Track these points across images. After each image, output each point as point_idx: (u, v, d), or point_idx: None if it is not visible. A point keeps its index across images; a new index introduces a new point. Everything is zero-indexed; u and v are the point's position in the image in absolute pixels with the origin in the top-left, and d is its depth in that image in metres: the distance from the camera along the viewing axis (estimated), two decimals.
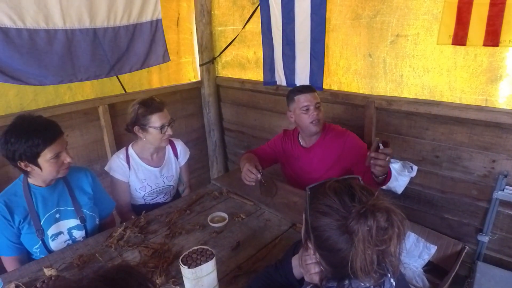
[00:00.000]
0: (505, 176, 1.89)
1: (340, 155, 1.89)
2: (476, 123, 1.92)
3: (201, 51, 3.11)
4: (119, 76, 2.68)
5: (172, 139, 2.07)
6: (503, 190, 1.91)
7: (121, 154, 1.90)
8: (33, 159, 1.36)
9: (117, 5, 2.36)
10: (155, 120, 1.76)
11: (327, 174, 1.90)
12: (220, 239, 1.49)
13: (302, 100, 1.82)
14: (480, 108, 1.84)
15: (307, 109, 1.81)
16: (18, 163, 1.38)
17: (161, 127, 1.77)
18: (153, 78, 3.09)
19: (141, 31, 2.56)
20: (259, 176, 1.78)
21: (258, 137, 3.16)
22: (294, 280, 1.06)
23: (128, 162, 1.89)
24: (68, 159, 1.44)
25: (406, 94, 2.12)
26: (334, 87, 2.48)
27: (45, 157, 1.37)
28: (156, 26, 2.63)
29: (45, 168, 1.39)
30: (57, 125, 1.43)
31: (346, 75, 2.41)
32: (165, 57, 2.75)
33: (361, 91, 2.34)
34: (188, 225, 1.59)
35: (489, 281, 1.95)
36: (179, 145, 2.08)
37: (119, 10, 2.39)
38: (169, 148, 2.03)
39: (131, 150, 1.92)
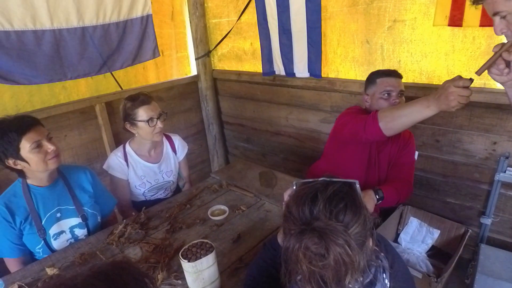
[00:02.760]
0: (507, 157, 1.88)
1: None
2: (475, 105, 1.90)
3: (196, 45, 3.08)
4: (114, 73, 2.67)
5: (170, 134, 2.06)
6: (505, 172, 1.90)
7: (118, 152, 1.90)
8: (16, 154, 1.36)
9: (106, 2, 2.34)
10: (142, 114, 1.75)
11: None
12: (220, 232, 1.49)
13: (386, 84, 1.65)
14: (479, 90, 1.82)
15: (389, 95, 1.64)
16: (6, 163, 1.39)
17: (149, 120, 1.76)
18: (150, 75, 3.07)
19: (132, 27, 2.54)
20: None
21: (258, 129, 3.15)
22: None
23: (126, 159, 1.88)
24: (50, 147, 1.42)
25: (404, 79, 2.09)
26: (332, 76, 2.46)
27: (25, 148, 1.36)
28: (146, 21, 2.61)
29: (31, 160, 1.39)
30: (32, 117, 1.43)
31: (344, 63, 2.38)
32: (155, 53, 2.74)
33: (358, 79, 2.32)
34: (188, 220, 1.59)
35: (493, 263, 1.95)
36: (177, 140, 2.07)
37: (108, 7, 2.37)
38: (166, 144, 2.03)
39: (128, 148, 1.91)
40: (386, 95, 1.64)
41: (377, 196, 1.56)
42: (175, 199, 1.81)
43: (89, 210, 1.61)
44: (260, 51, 2.71)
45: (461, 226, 2.12)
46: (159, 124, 1.80)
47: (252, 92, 3.03)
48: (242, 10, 2.77)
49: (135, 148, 1.91)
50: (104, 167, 1.91)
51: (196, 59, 3.13)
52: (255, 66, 2.90)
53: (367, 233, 0.78)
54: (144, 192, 1.96)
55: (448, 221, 2.17)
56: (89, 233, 1.62)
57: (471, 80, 1.14)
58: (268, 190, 1.78)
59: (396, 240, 2.24)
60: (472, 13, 1.69)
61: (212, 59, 3.22)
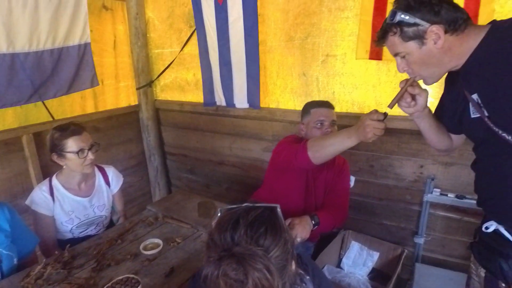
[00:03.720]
0: (432, 179, 2.03)
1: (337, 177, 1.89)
2: (403, 132, 2.05)
3: (137, 75, 3.03)
4: (47, 103, 2.51)
5: (103, 165, 1.96)
6: (431, 192, 2.04)
7: (43, 186, 1.75)
8: None
9: (40, 28, 2.23)
10: (72, 145, 1.65)
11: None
12: (153, 267, 1.40)
13: (319, 114, 1.74)
14: (405, 118, 1.97)
15: (322, 124, 1.72)
16: None
17: (79, 152, 1.66)
18: (88, 104, 2.93)
19: (68, 55, 2.44)
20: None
21: (202, 159, 3.11)
22: None
23: (51, 194, 1.74)
24: None
25: (338, 109, 2.21)
26: (273, 106, 2.53)
27: None
28: (84, 49, 2.52)
29: None
30: None
31: (283, 94, 2.48)
32: (94, 82, 2.63)
33: (297, 109, 2.41)
34: (118, 256, 1.48)
35: (427, 281, 2.04)
36: (111, 172, 1.96)
37: (42, 34, 2.25)
38: (99, 176, 1.91)
39: (55, 181, 1.77)
40: (319, 124, 1.73)
41: (313, 221, 1.58)
42: (106, 234, 1.68)
43: (3, 251, 1.43)
44: (202, 82, 2.73)
45: (398, 247, 2.21)
46: (90, 156, 1.70)
47: (196, 122, 3.01)
48: (184, 41, 2.81)
49: (62, 181, 1.78)
50: (27, 202, 1.74)
51: (137, 88, 3.07)
52: (198, 96, 2.90)
53: (288, 257, 0.78)
54: (71, 228, 1.80)
55: (386, 243, 2.25)
56: (3, 276, 1.43)
57: (385, 114, 1.24)
58: (206, 221, 1.73)
59: (339, 265, 2.27)
60: None
61: (154, 89, 3.18)
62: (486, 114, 1.02)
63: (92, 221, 1.87)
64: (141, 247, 1.52)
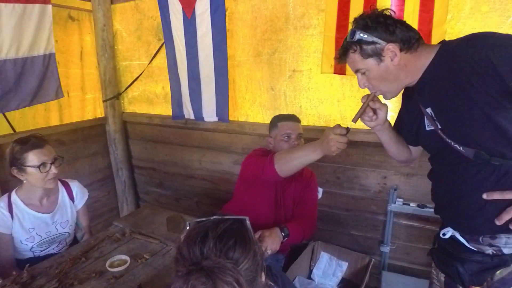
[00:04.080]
0: (395, 189, 2.12)
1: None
2: (367, 144, 2.13)
3: (104, 87, 2.97)
4: (8, 114, 2.40)
5: (67, 180, 1.88)
6: (395, 202, 2.12)
7: (1, 202, 1.65)
8: None
9: (2, 37, 2.15)
10: (33, 158, 1.59)
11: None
12: (119, 285, 1.36)
13: (286, 127, 1.78)
14: (368, 131, 2.05)
15: (289, 137, 1.76)
16: None
17: (41, 166, 1.60)
18: (52, 116, 2.83)
19: (32, 65, 2.36)
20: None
21: (171, 173, 3.06)
22: None
23: (10, 210, 1.64)
24: None
25: (305, 123, 2.28)
26: (242, 119, 2.56)
27: None
28: (49, 60, 2.45)
29: None
30: None
31: (252, 107, 2.51)
32: (59, 93, 2.56)
33: (266, 122, 2.45)
34: (82, 274, 1.42)
35: None
36: (75, 187, 1.89)
37: (5, 43, 2.17)
38: (62, 191, 1.83)
39: (14, 197, 1.68)
40: (286, 137, 1.77)
41: (283, 233, 1.60)
42: (69, 252, 1.61)
43: None
44: (170, 95, 2.73)
45: (365, 256, 2.27)
46: (53, 170, 1.64)
47: (165, 135, 2.98)
48: (153, 54, 2.80)
49: (23, 197, 1.69)
50: None
51: (104, 101, 3.00)
52: (167, 109, 2.88)
53: (257, 269, 0.79)
54: (32, 247, 1.71)
55: (354, 253, 2.31)
56: None
57: (348, 129, 1.30)
58: (175, 235, 1.70)
59: (310, 276, 2.29)
60: None
61: (122, 101, 3.12)
62: (439, 126, 1.10)
63: (54, 238, 1.78)
64: (107, 264, 1.47)
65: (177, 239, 1.66)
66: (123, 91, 3.05)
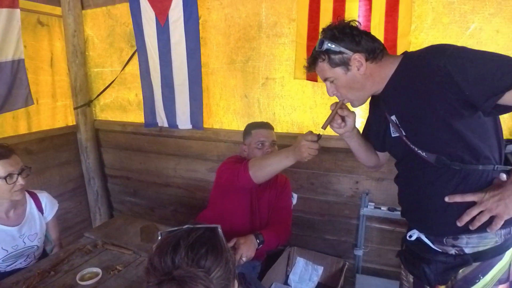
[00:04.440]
0: (367, 194, 2.18)
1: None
2: (339, 150, 2.19)
3: (75, 94, 2.89)
4: None
5: (35, 191, 1.82)
6: (367, 206, 2.18)
7: None
8: None
9: None
10: None
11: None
12: None
13: (259, 135, 1.80)
14: (340, 138, 2.09)
15: (263, 144, 1.79)
16: None
17: (7, 177, 1.54)
18: (20, 124, 2.72)
19: (0, 71, 2.27)
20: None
21: (145, 181, 3.01)
22: None
23: None
24: None
25: (279, 130, 2.31)
26: (216, 127, 2.56)
27: None
28: (18, 66, 2.36)
29: None
30: None
31: (226, 115, 2.52)
32: (28, 101, 2.47)
33: (240, 129, 2.47)
34: None
35: None
36: (44, 198, 1.82)
37: None
38: (30, 202, 1.77)
39: None
40: (260, 145, 1.80)
41: (258, 240, 1.61)
42: (37, 266, 1.55)
43: None
44: (143, 103, 2.70)
45: (340, 260, 2.32)
46: (20, 181, 1.58)
47: (139, 143, 2.94)
48: (126, 61, 2.76)
49: None
50: None
51: (75, 108, 2.92)
52: (141, 116, 2.83)
53: (230, 276, 0.79)
54: None
55: (329, 257, 2.35)
56: None
57: (319, 135, 1.34)
58: (149, 246, 1.68)
59: (286, 282, 2.31)
60: None
61: (93, 109, 3.05)
62: (404, 133, 1.15)
63: (22, 252, 1.71)
64: (77, 277, 1.43)
65: (150, 250, 1.64)
66: (95, 98, 2.98)
